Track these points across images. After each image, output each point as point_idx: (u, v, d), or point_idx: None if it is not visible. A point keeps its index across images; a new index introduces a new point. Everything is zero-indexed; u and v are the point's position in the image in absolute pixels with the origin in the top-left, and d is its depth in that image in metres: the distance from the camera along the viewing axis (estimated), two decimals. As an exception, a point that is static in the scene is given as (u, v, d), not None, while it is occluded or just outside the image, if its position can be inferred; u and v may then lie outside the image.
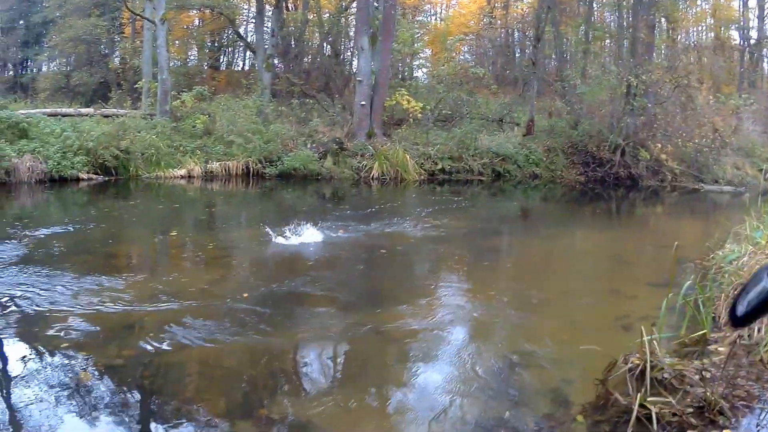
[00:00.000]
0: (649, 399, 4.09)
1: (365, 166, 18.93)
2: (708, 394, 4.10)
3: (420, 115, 21.37)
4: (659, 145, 19.85)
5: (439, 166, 19.42)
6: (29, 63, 36.95)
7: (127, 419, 4.48)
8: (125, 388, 4.89)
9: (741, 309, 1.91)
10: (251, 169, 18.56)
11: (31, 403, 4.56)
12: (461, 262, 9.08)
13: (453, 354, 5.65)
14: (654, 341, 4.57)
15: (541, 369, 5.23)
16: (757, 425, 4.04)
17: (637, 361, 4.50)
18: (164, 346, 5.64)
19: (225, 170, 18.35)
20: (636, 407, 3.99)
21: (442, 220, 12.20)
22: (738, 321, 1.90)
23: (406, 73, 30.75)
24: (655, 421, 3.93)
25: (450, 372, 5.29)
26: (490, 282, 8.15)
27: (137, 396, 4.82)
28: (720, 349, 5.09)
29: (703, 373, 4.41)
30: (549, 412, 4.42)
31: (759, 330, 5.06)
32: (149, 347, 5.62)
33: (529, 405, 4.57)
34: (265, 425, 4.39)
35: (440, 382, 5.07)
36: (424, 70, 30.73)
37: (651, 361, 4.41)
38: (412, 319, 6.43)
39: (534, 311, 6.79)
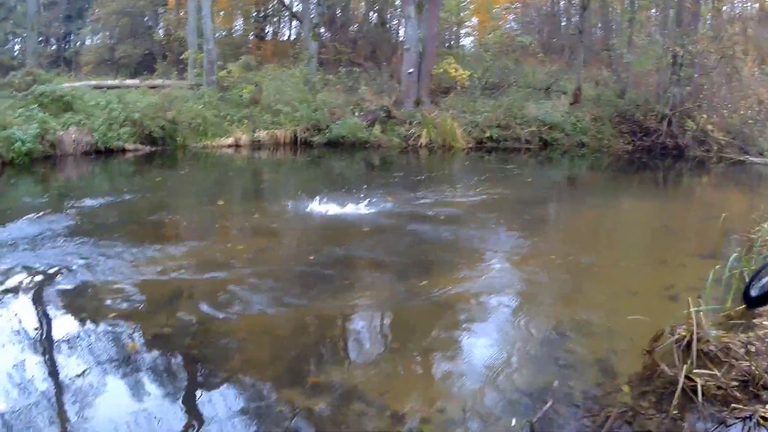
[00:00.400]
0: (694, 371, 4.10)
1: (413, 133, 19.12)
2: (753, 367, 4.09)
3: (467, 83, 21.44)
4: (705, 116, 19.69)
5: (487, 134, 19.52)
6: (72, 37, 36.74)
7: (174, 388, 4.54)
8: (173, 357, 4.97)
9: (754, 291, 2.15)
10: (299, 137, 18.77)
11: (79, 373, 4.61)
12: (510, 230, 9.15)
13: (502, 321, 5.71)
14: (700, 313, 4.58)
15: (589, 337, 5.27)
16: None
17: (684, 333, 4.53)
18: (212, 315, 5.70)
19: (272, 139, 18.56)
20: (682, 379, 4.02)
21: (491, 187, 12.34)
22: (751, 302, 2.13)
23: (452, 42, 30.66)
24: (700, 393, 3.95)
25: (499, 339, 5.35)
26: (539, 250, 8.24)
27: (186, 364, 4.88)
28: (765, 323, 5.04)
29: (749, 346, 4.40)
30: (596, 382, 4.46)
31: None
32: (198, 315, 5.69)
33: (577, 374, 4.61)
34: (315, 393, 4.42)
35: (489, 349, 5.13)
36: (471, 38, 30.70)
37: (697, 333, 4.42)
38: (461, 286, 6.46)
39: (582, 280, 6.86)
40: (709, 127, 19.85)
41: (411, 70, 20.46)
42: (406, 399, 4.38)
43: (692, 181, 15.94)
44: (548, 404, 4.02)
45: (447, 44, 29.52)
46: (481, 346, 5.19)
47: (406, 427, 4.01)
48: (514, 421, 3.92)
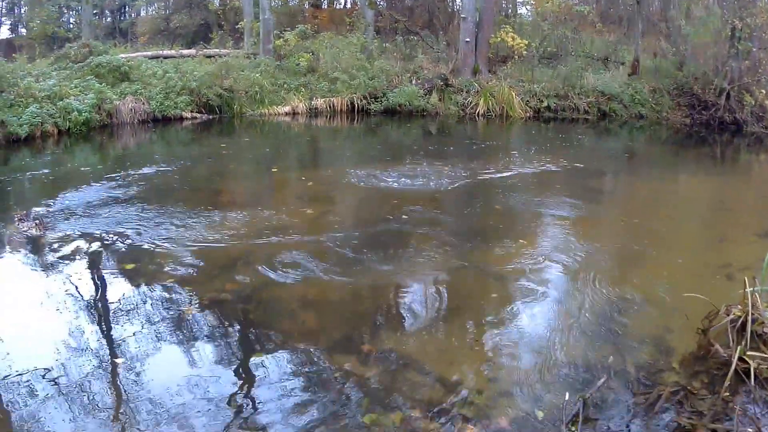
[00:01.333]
0: (748, 353, 4.09)
1: (470, 102, 19.31)
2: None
3: (525, 52, 21.41)
4: (764, 91, 19.44)
5: (545, 104, 19.59)
6: (127, 8, 37.17)
7: (229, 353, 4.61)
8: (228, 322, 5.06)
9: None
10: (356, 105, 19.05)
11: (136, 338, 4.74)
12: (566, 202, 9.13)
13: (556, 295, 5.71)
14: (756, 294, 4.51)
15: (644, 314, 5.29)
16: None
17: (739, 314, 4.47)
18: (267, 281, 5.78)
19: (329, 107, 18.92)
20: (735, 361, 4.01)
21: (550, 157, 12.47)
22: None
23: (510, 10, 30.41)
24: (753, 376, 3.93)
25: (552, 313, 5.33)
26: (595, 224, 8.32)
27: (240, 330, 4.97)
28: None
29: (804, 329, 4.29)
30: (650, 359, 4.47)
31: None
32: (253, 282, 5.78)
33: (631, 350, 4.63)
34: (366, 360, 4.48)
35: (542, 323, 5.14)
36: (528, 7, 30.36)
37: (752, 315, 4.37)
38: (515, 259, 6.51)
39: (637, 255, 6.88)
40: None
41: (468, 39, 20.56)
42: (459, 369, 4.43)
43: (750, 158, 15.80)
44: (602, 380, 4.08)
45: (504, 13, 29.32)
46: (532, 320, 5.22)
47: (459, 397, 4.06)
48: (567, 395, 3.91)
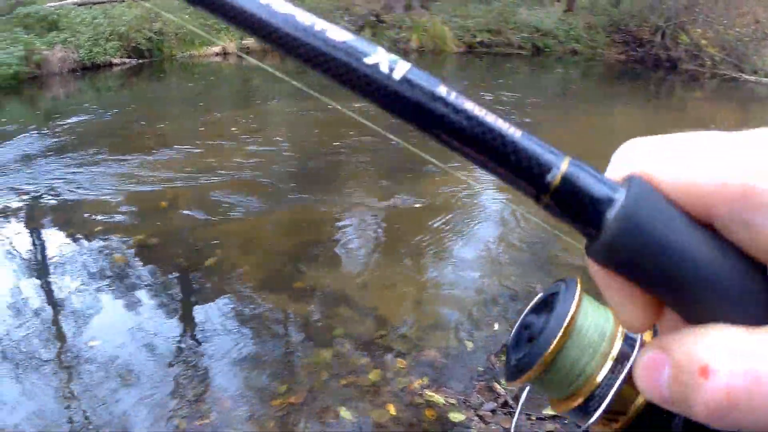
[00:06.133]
0: None
1: (403, 38, 18.79)
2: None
3: (459, -13, 20.83)
4: (699, 30, 19.43)
5: (478, 39, 19.15)
6: None
7: (163, 298, 4.68)
8: (161, 267, 5.09)
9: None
10: (287, 41, 18.58)
11: (70, 289, 4.76)
12: None
13: (489, 227, 5.85)
14: None
15: (572, 241, 5.49)
16: None
17: None
18: (198, 223, 5.87)
19: (261, 46, 18.13)
20: None
21: (486, 91, 12.34)
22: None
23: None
24: None
25: (488, 242, 5.51)
26: None
27: (173, 274, 5.01)
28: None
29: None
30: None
31: None
32: (184, 224, 5.84)
33: (560, 276, 4.85)
34: (301, 297, 4.57)
35: (478, 251, 5.32)
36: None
37: None
38: (447, 189, 6.58)
39: None
40: (704, 41, 19.55)
41: (400, -28, 19.83)
42: (394, 304, 4.52)
43: (685, 95, 15.91)
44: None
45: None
46: (465, 252, 5.31)
47: (393, 331, 4.18)
48: (496, 326, 4.09)
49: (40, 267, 5.29)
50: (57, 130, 9.55)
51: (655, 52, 19.10)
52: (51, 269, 5.18)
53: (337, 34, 0.33)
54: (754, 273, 0.30)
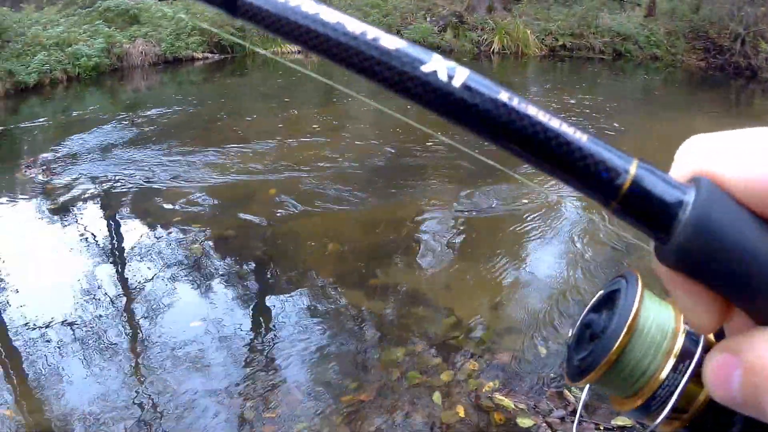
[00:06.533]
0: None
1: (485, 39, 19.10)
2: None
3: (540, -10, 21.00)
4: (779, 39, 19.25)
5: (560, 42, 19.36)
6: None
7: (238, 290, 4.68)
8: (237, 259, 5.10)
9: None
10: (371, 42, 18.83)
11: (146, 277, 4.80)
12: None
13: (570, 232, 5.78)
14: None
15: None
16: None
17: None
18: (278, 217, 5.80)
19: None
20: None
21: (566, 95, 12.50)
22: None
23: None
24: None
25: (566, 249, 5.44)
26: None
27: (249, 266, 5.01)
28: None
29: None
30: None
31: None
32: (263, 218, 5.80)
33: None
34: (376, 295, 4.55)
35: (556, 259, 5.27)
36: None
37: None
38: (526, 195, 6.48)
39: None
40: (784, 50, 19.37)
41: (484, -25, 20.13)
42: (470, 306, 4.50)
43: (765, 104, 15.70)
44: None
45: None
46: (544, 257, 5.30)
47: (467, 333, 4.15)
48: (570, 333, 4.19)
49: (116, 253, 5.31)
50: (138, 120, 9.71)
51: (735, 60, 19.03)
52: (127, 256, 5.20)
53: (390, 41, 0.33)
54: None
